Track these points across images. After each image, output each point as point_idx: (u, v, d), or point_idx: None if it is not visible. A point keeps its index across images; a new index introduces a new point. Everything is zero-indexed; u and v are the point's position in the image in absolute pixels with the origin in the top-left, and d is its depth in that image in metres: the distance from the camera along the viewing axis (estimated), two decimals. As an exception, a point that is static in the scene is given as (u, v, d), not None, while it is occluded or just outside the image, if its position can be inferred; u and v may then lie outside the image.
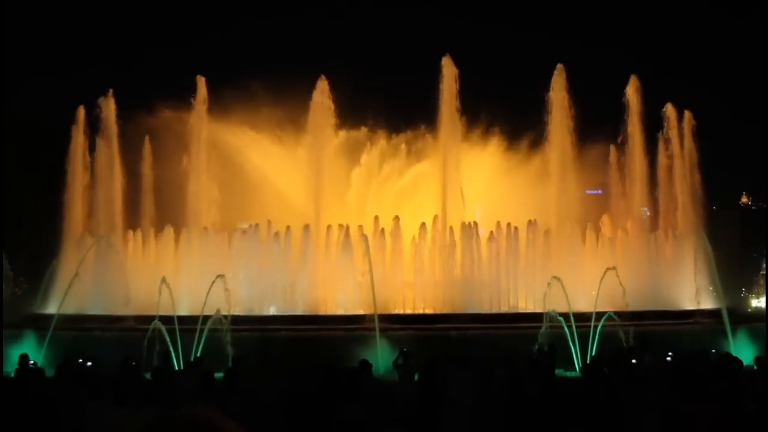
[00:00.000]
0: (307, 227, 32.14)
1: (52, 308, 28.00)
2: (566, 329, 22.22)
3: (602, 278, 24.83)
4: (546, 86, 35.87)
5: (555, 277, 24.74)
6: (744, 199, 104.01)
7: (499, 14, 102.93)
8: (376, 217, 33.31)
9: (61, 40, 78.08)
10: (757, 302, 68.13)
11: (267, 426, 12.49)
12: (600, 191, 42.48)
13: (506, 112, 42.84)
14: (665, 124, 35.97)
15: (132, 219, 35.13)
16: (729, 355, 15.37)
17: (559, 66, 35.80)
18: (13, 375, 16.21)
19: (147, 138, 35.69)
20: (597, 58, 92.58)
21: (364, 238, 29.26)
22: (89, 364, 17.98)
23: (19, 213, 39.92)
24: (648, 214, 36.89)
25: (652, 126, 36.52)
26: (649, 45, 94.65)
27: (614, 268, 25.06)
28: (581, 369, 14.87)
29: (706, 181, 36.18)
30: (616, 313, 23.81)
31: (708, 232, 31.19)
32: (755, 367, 15.44)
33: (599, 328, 22.56)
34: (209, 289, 23.71)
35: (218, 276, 24.17)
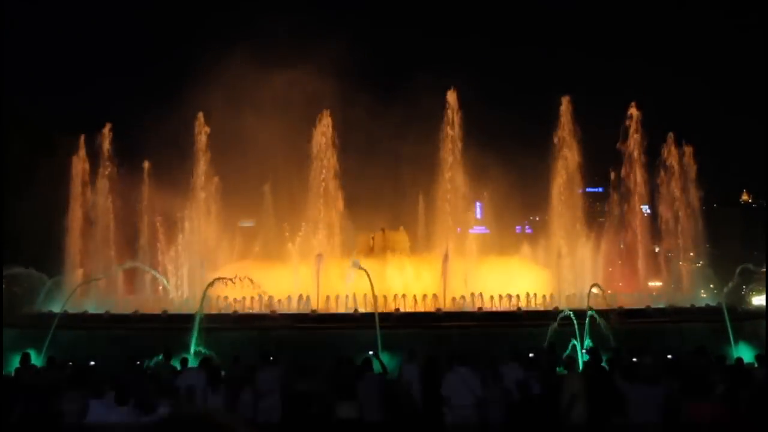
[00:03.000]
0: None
1: (54, 307, 27.98)
2: (577, 328, 21.98)
3: (589, 293, 24.62)
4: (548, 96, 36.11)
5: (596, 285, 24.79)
6: (744, 197, 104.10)
7: (501, 32, 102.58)
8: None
9: (62, 52, 77.97)
10: (758, 300, 68.03)
11: (269, 424, 12.51)
12: (600, 189, 42.46)
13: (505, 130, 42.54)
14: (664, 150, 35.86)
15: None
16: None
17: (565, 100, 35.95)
18: (13, 374, 16.19)
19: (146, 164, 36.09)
20: (600, 54, 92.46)
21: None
22: (92, 363, 18.02)
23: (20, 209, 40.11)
24: (648, 212, 36.92)
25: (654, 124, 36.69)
26: (651, 42, 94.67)
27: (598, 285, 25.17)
28: (584, 367, 14.85)
29: (706, 180, 36.27)
30: (616, 311, 23.67)
31: (709, 229, 31.18)
32: (756, 365, 15.45)
33: (586, 326, 22.34)
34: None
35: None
